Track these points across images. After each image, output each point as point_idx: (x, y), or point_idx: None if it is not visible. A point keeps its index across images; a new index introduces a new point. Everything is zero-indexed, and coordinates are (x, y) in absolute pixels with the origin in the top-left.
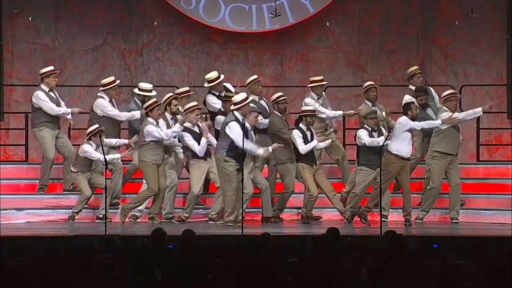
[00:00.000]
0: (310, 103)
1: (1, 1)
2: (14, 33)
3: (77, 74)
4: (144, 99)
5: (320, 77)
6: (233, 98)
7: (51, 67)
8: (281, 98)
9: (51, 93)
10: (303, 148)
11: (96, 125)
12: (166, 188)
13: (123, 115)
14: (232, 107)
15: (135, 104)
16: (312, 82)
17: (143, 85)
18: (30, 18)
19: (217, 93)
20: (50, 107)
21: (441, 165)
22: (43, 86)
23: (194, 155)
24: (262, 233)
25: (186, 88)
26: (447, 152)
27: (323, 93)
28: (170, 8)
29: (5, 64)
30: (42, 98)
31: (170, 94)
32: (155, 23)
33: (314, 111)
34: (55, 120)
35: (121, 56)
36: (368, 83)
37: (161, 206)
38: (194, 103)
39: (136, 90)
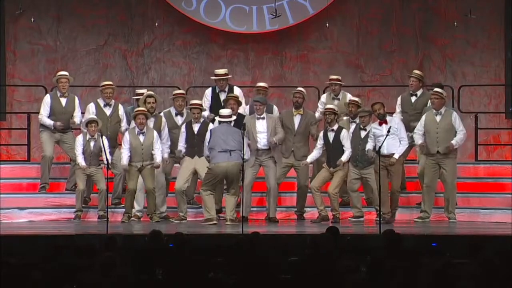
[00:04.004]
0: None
1: (4, 2)
2: (16, 34)
3: (78, 75)
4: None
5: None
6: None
7: (63, 72)
8: (296, 91)
9: (62, 99)
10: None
11: (93, 116)
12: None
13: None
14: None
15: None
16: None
17: (139, 90)
18: (32, 19)
19: None
20: (41, 112)
21: (426, 164)
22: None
23: None
24: (262, 232)
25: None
26: (425, 153)
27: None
28: (171, 9)
29: (7, 64)
30: (44, 101)
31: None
32: (156, 24)
33: (331, 109)
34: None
35: (122, 57)
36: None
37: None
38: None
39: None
